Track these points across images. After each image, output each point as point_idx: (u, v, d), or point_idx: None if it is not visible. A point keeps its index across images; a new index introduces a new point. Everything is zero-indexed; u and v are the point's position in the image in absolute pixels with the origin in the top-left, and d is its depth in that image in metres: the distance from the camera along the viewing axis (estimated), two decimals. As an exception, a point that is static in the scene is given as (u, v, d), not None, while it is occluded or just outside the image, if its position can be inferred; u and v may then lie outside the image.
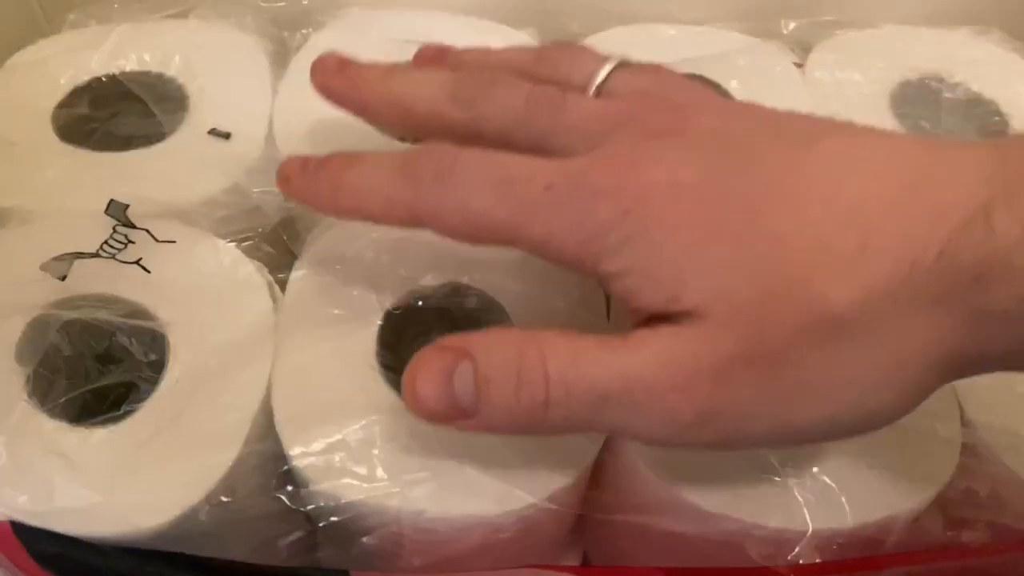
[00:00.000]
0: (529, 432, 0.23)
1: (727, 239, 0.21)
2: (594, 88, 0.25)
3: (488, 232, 0.23)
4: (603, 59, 0.26)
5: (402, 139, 0.32)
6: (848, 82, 0.37)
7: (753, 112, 0.24)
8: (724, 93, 0.37)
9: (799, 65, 0.38)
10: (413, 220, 0.24)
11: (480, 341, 0.22)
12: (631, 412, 0.21)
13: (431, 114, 0.26)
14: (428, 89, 0.26)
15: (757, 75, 0.38)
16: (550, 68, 0.26)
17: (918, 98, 0.38)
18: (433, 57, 0.30)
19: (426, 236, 0.30)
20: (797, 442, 0.22)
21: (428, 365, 0.22)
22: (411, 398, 0.22)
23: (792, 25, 0.40)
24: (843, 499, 0.26)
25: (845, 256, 0.20)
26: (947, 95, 0.37)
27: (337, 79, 0.28)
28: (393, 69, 0.28)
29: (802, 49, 0.39)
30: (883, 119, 0.36)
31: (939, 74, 0.38)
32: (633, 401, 0.21)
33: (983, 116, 0.37)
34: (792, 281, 0.20)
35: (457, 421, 0.22)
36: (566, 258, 0.22)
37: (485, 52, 0.29)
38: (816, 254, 0.20)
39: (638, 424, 0.21)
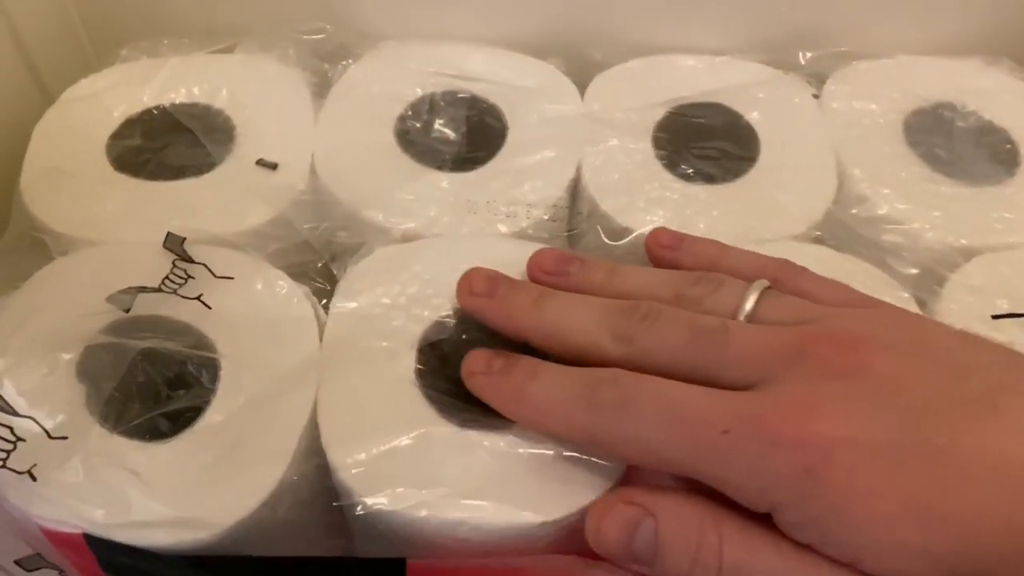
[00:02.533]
0: None
1: (910, 515, 0.20)
2: (745, 315, 0.26)
3: (663, 465, 0.24)
4: (744, 287, 0.26)
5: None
6: (864, 112, 0.39)
7: (927, 352, 0.23)
8: (745, 124, 0.38)
9: (816, 96, 0.39)
10: (591, 444, 0.25)
11: (665, 506, 0.24)
12: None
13: (590, 346, 0.26)
14: (585, 321, 0.27)
15: (777, 106, 0.39)
16: (692, 303, 0.27)
17: (931, 126, 0.39)
18: (554, 271, 0.30)
19: (465, 265, 0.32)
20: None
21: (614, 514, 0.24)
22: (594, 537, 0.25)
23: (808, 55, 0.41)
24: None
25: None
26: (959, 124, 0.39)
27: (488, 304, 0.29)
28: (542, 295, 0.28)
29: (818, 80, 0.40)
30: (897, 148, 0.37)
31: (951, 103, 0.39)
32: None
33: (995, 144, 0.38)
34: (982, 570, 0.20)
35: (632, 566, 0.24)
36: (742, 500, 0.23)
37: (611, 272, 0.29)
38: (997, 542, 0.20)
39: None
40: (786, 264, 0.28)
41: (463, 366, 0.28)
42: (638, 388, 0.24)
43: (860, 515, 0.21)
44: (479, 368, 0.28)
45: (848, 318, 0.25)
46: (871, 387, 0.22)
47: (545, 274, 0.30)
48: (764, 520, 0.23)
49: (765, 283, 0.26)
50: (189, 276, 0.30)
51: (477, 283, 0.29)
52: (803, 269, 0.28)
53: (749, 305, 0.26)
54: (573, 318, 0.27)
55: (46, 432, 0.26)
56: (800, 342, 0.23)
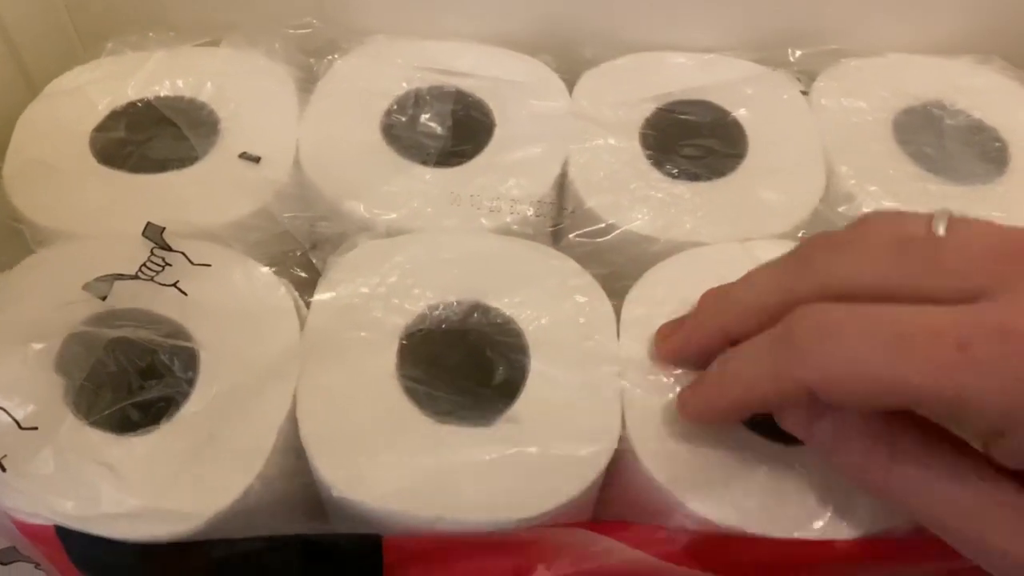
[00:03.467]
0: None
1: None
2: (943, 230, 0.22)
3: (888, 394, 0.21)
4: (928, 212, 0.23)
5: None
6: (853, 109, 0.38)
7: None
8: (733, 121, 0.38)
9: (805, 93, 0.39)
10: (801, 390, 0.22)
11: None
12: (959, 542, 0.22)
13: (784, 299, 0.24)
14: (771, 272, 0.25)
15: (765, 103, 0.39)
16: (874, 231, 0.24)
17: (921, 125, 0.38)
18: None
19: (446, 258, 0.32)
20: None
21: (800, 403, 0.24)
22: (783, 418, 0.25)
23: (798, 53, 0.41)
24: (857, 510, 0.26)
25: None
26: (949, 122, 0.38)
27: (680, 338, 0.28)
28: (721, 292, 0.27)
29: (807, 77, 0.40)
30: (886, 146, 0.37)
31: (941, 102, 0.39)
32: (965, 540, 0.22)
33: (984, 143, 0.38)
34: None
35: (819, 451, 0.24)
36: (977, 424, 0.21)
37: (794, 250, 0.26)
38: None
39: (962, 547, 0.22)
40: None
41: (676, 403, 0.27)
42: (839, 314, 0.22)
43: None
44: (687, 393, 0.27)
45: None
46: None
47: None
48: (958, 444, 0.22)
49: (948, 210, 0.23)
50: (167, 264, 0.30)
51: (664, 329, 0.29)
52: None
53: (943, 223, 0.22)
54: (757, 276, 0.26)
55: (16, 423, 0.26)
56: (1021, 248, 0.21)
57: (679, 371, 0.29)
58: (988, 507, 0.21)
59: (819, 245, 0.24)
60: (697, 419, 0.27)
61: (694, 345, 0.28)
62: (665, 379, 0.29)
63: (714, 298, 0.28)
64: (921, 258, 0.22)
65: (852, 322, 0.21)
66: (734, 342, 0.26)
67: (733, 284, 0.27)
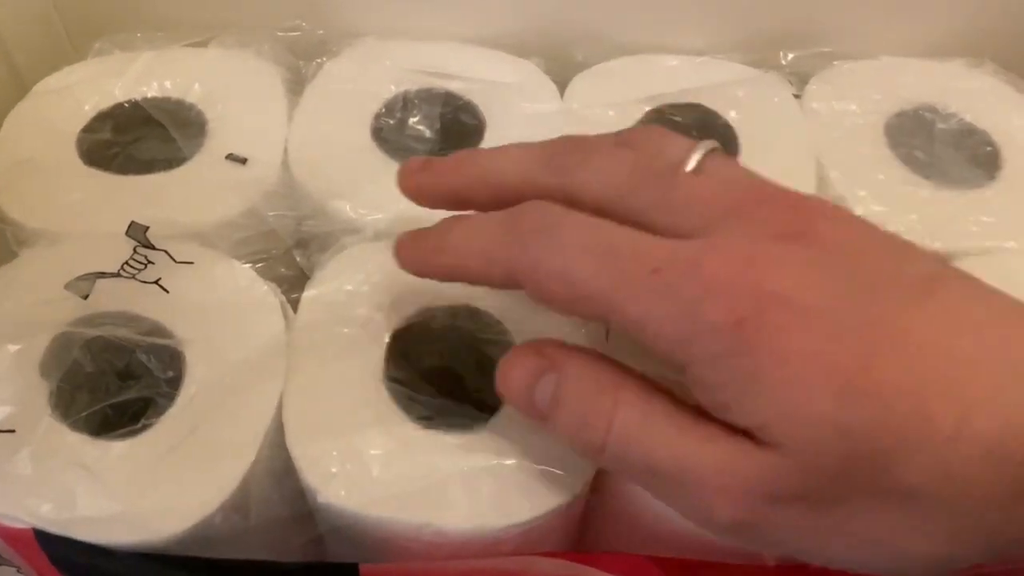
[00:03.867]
0: (585, 457, 0.24)
1: (830, 385, 0.19)
2: (692, 165, 0.23)
3: (582, 302, 0.22)
4: (693, 142, 0.24)
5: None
6: (844, 113, 0.38)
7: (871, 230, 0.22)
8: (723, 123, 0.38)
9: (797, 96, 0.39)
10: (510, 280, 0.23)
11: (570, 362, 0.23)
12: (675, 493, 0.22)
13: (524, 184, 0.25)
14: (519, 160, 0.25)
15: (756, 106, 0.39)
16: (637, 146, 0.25)
17: (912, 128, 0.38)
18: None
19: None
20: (823, 565, 0.22)
21: (522, 360, 0.24)
22: (500, 381, 0.24)
23: (791, 56, 0.41)
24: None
25: (940, 435, 0.19)
26: (940, 125, 0.38)
27: (423, 175, 0.28)
28: (477, 151, 0.28)
29: (799, 80, 0.40)
30: (877, 149, 0.37)
31: (933, 105, 0.39)
32: (680, 484, 0.21)
33: (975, 146, 0.38)
34: (879, 448, 0.19)
35: (532, 417, 0.24)
36: (657, 347, 0.21)
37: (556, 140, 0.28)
38: (911, 425, 0.19)
39: (676, 504, 0.22)
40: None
41: (394, 246, 0.27)
42: (566, 216, 0.23)
43: (780, 378, 0.20)
44: (407, 239, 0.26)
45: (787, 187, 0.24)
46: (814, 252, 0.21)
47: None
48: (658, 395, 0.22)
49: (713, 143, 0.24)
50: (149, 261, 0.30)
51: (414, 163, 0.28)
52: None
53: (696, 158, 0.23)
54: (507, 158, 0.26)
55: (-7, 424, 0.25)
56: (749, 199, 0.22)
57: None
58: (699, 457, 0.21)
59: (575, 145, 0.25)
60: (410, 269, 0.26)
61: (431, 190, 0.27)
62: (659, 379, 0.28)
63: (465, 154, 0.27)
64: (655, 189, 0.23)
65: (572, 227, 0.22)
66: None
67: (490, 150, 0.27)
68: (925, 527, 0.20)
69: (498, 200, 0.25)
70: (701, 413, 0.22)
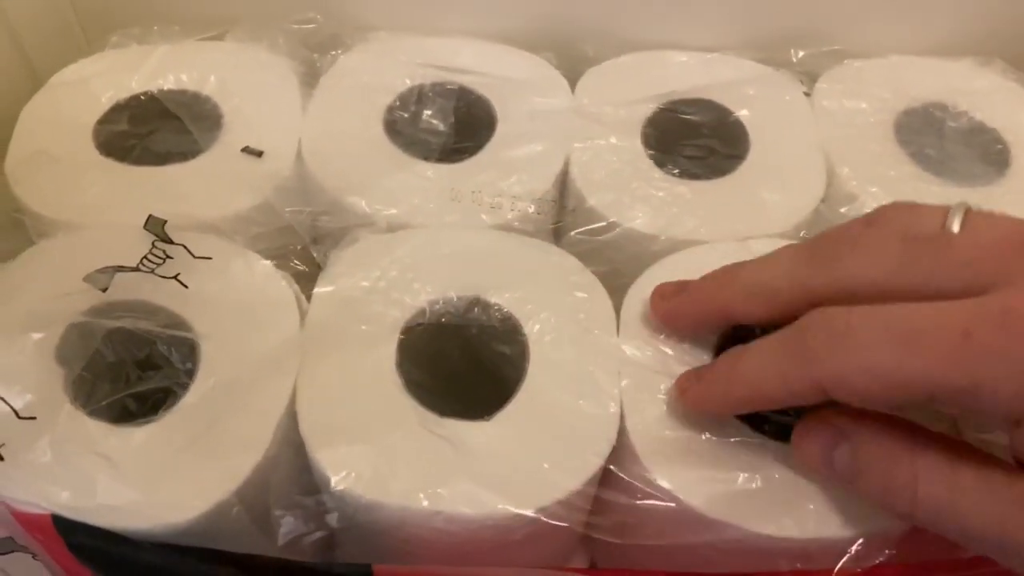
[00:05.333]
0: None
1: None
2: (957, 227, 0.23)
3: (899, 389, 0.21)
4: (946, 206, 0.23)
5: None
6: (854, 111, 0.38)
7: None
8: (734, 121, 0.38)
9: (807, 94, 0.39)
10: (815, 392, 0.23)
11: (859, 430, 0.24)
12: (997, 553, 0.22)
13: (792, 287, 0.25)
14: (784, 264, 0.26)
15: (767, 103, 0.39)
16: (891, 223, 0.24)
17: (922, 126, 0.38)
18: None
19: (447, 253, 0.32)
20: None
21: (812, 434, 0.25)
22: (798, 454, 0.25)
23: (801, 54, 0.41)
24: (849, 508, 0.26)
25: None
26: (951, 124, 0.38)
27: (682, 299, 0.28)
28: (734, 265, 0.28)
29: (810, 78, 0.40)
30: (887, 147, 0.37)
31: (943, 103, 0.39)
32: (1001, 547, 0.21)
33: (985, 144, 0.38)
34: None
35: (840, 484, 0.25)
36: (996, 409, 0.21)
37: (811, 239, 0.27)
38: None
39: (1001, 557, 0.22)
40: None
41: (674, 391, 0.28)
42: (851, 316, 0.22)
43: None
44: (691, 382, 0.27)
45: None
46: None
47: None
48: (963, 459, 0.22)
49: (966, 203, 0.23)
50: (168, 256, 0.30)
51: (667, 288, 0.29)
52: None
53: (958, 219, 0.23)
54: (770, 265, 0.26)
55: (15, 412, 0.26)
56: None
57: (680, 368, 0.29)
58: (1020, 512, 0.21)
59: (833, 239, 0.25)
60: (696, 408, 0.27)
61: (692, 312, 0.28)
62: (666, 377, 0.29)
63: (723, 272, 0.28)
64: (931, 255, 0.22)
65: (863, 323, 0.22)
66: (735, 327, 0.27)
67: (744, 263, 0.27)
68: None
69: (770, 310, 0.26)
70: (1014, 471, 0.21)
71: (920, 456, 0.22)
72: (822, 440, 0.25)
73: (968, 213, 0.23)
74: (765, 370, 0.24)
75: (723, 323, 0.28)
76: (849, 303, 0.23)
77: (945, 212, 0.23)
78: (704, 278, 0.28)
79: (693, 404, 0.27)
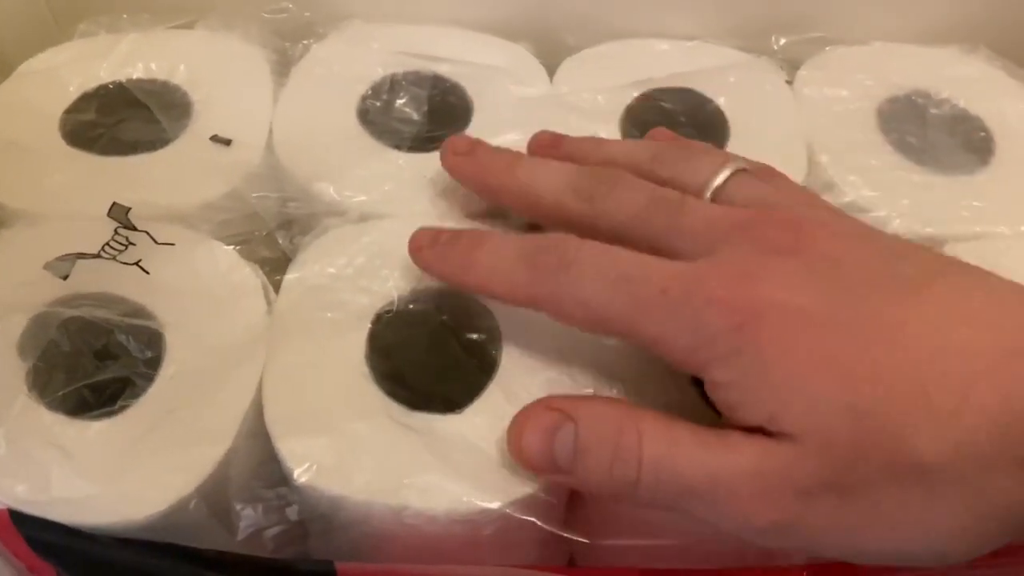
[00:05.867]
0: (618, 500, 0.25)
1: (832, 372, 0.21)
2: (711, 191, 0.26)
3: (603, 324, 0.24)
4: (721, 163, 0.27)
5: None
6: (836, 98, 0.38)
7: (869, 239, 0.25)
8: (714, 109, 0.38)
9: (788, 82, 0.39)
10: (532, 304, 0.26)
11: (584, 408, 0.24)
12: (712, 508, 0.22)
13: (555, 205, 0.27)
14: (553, 182, 0.28)
15: (747, 91, 0.38)
16: (668, 168, 0.28)
17: (905, 114, 0.38)
18: (548, 144, 0.31)
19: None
20: (865, 562, 0.23)
21: (534, 420, 0.25)
22: (515, 448, 0.25)
23: (783, 41, 0.40)
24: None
25: (943, 410, 0.20)
26: (933, 111, 0.38)
27: (467, 163, 0.30)
28: (519, 158, 0.30)
29: (791, 66, 0.39)
30: (869, 135, 0.37)
31: (926, 91, 0.38)
32: (716, 499, 0.22)
33: (968, 132, 0.37)
34: (886, 425, 0.21)
35: (553, 476, 0.25)
36: (675, 359, 0.23)
37: (599, 143, 0.31)
38: (914, 403, 0.21)
39: (716, 519, 0.23)
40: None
41: (409, 243, 0.28)
42: (581, 250, 0.25)
43: (784, 369, 0.21)
44: (426, 242, 0.28)
45: (804, 206, 0.26)
46: (810, 262, 0.23)
47: (541, 147, 0.31)
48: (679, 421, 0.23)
49: (741, 163, 0.27)
50: (130, 243, 0.29)
51: (459, 143, 0.31)
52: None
53: (719, 180, 0.26)
54: (543, 179, 0.28)
55: (-34, 404, 0.25)
56: (749, 220, 0.24)
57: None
58: (728, 469, 0.22)
59: (603, 176, 0.27)
60: (428, 272, 0.28)
61: (471, 177, 0.30)
62: (638, 364, 0.28)
63: (507, 160, 0.30)
64: (667, 214, 0.25)
65: (588, 257, 0.24)
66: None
67: (526, 163, 0.29)
68: (946, 503, 0.21)
69: (530, 213, 0.29)
70: (722, 428, 0.23)
71: (642, 420, 0.23)
72: (544, 424, 0.24)
73: (730, 179, 0.26)
74: (498, 269, 0.26)
75: (489, 201, 0.31)
76: (595, 234, 0.25)
77: (716, 169, 0.27)
78: (493, 152, 0.30)
79: (422, 265, 0.28)
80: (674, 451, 0.23)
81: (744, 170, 0.27)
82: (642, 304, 0.23)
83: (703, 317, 0.22)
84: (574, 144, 0.31)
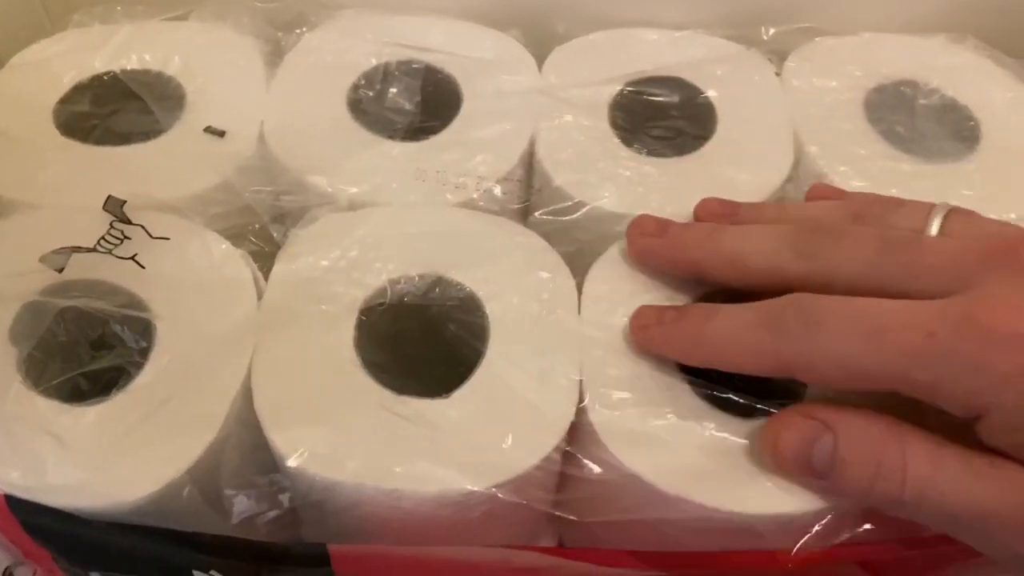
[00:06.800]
0: (880, 508, 0.24)
1: None
2: (935, 230, 0.25)
3: (863, 379, 0.23)
4: (930, 205, 0.26)
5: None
6: (824, 89, 0.38)
7: None
8: (703, 100, 0.38)
9: (777, 73, 0.39)
10: (780, 369, 0.25)
11: (844, 421, 0.24)
12: (978, 536, 0.22)
13: (771, 267, 0.26)
14: (766, 244, 0.26)
15: (736, 83, 0.38)
16: (876, 220, 0.26)
17: (893, 104, 0.38)
18: (724, 213, 0.30)
19: (409, 232, 0.32)
20: None
21: (793, 427, 0.25)
22: (770, 449, 0.25)
23: (772, 31, 0.40)
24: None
25: None
26: (922, 101, 0.38)
27: (661, 242, 0.29)
28: (718, 227, 0.28)
29: (779, 56, 0.39)
30: (858, 125, 0.37)
31: (914, 80, 0.38)
32: (984, 529, 0.22)
33: (956, 121, 0.37)
34: None
35: (809, 479, 0.25)
36: (951, 405, 0.22)
37: (781, 207, 0.30)
38: None
39: (982, 545, 0.23)
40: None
41: (631, 321, 0.28)
42: (826, 306, 0.24)
43: None
44: (651, 321, 0.27)
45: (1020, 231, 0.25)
46: None
47: (714, 215, 0.30)
48: (945, 443, 0.23)
49: (949, 205, 0.26)
50: (125, 237, 0.30)
51: (648, 225, 0.29)
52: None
53: (937, 222, 0.25)
54: (752, 241, 0.27)
55: (-39, 392, 0.26)
56: (998, 248, 0.23)
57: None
58: (1001, 501, 0.22)
59: (818, 228, 0.26)
60: (648, 348, 0.28)
61: (666, 256, 0.29)
62: (625, 356, 0.29)
63: (705, 231, 0.28)
64: (904, 257, 0.24)
65: (835, 313, 0.23)
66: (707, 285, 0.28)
67: (728, 229, 0.28)
68: None
69: (739, 280, 0.27)
70: (994, 455, 0.22)
71: (906, 441, 0.23)
72: (803, 433, 0.24)
73: (949, 215, 0.25)
74: (736, 337, 0.25)
75: (691, 277, 0.29)
76: (822, 290, 0.24)
77: (927, 212, 0.25)
78: (686, 226, 0.29)
79: (648, 344, 0.27)
80: (940, 476, 0.22)
81: (955, 208, 0.26)
82: (908, 353, 0.22)
83: (986, 361, 0.21)
84: (755, 210, 0.30)
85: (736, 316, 0.26)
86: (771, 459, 0.25)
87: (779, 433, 0.25)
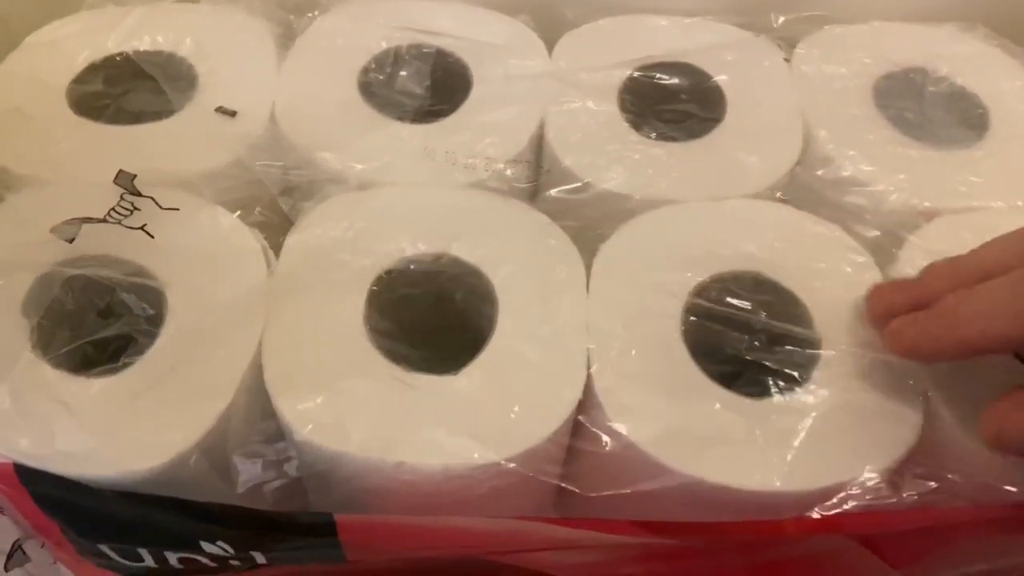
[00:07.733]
0: None
1: None
2: None
3: None
4: None
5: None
6: (833, 75, 0.38)
7: None
8: (712, 86, 0.38)
9: (787, 60, 0.39)
10: None
11: None
12: None
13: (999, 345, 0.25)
14: (994, 320, 0.25)
15: (745, 69, 0.38)
16: None
17: (902, 91, 0.38)
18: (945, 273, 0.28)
19: (418, 208, 0.32)
20: None
21: (1018, 412, 0.24)
22: (991, 433, 0.25)
23: (782, 19, 0.40)
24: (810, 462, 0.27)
25: None
26: (931, 88, 0.38)
27: (909, 328, 0.27)
28: (949, 302, 0.26)
29: (789, 44, 0.40)
30: (866, 111, 0.37)
31: (923, 68, 0.39)
32: None
33: (966, 109, 0.37)
34: None
35: None
36: None
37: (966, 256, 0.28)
38: None
39: None
40: None
41: (888, 337, 0.27)
42: None
43: None
44: (906, 324, 0.27)
45: None
46: None
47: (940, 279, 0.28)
48: None
49: None
50: (135, 208, 0.30)
51: (894, 302, 0.28)
52: None
53: None
54: (984, 318, 0.25)
55: (-26, 360, 0.26)
56: None
57: (647, 325, 0.29)
58: None
59: None
60: (911, 352, 0.27)
61: (911, 340, 0.27)
62: (633, 332, 0.29)
63: (947, 316, 0.26)
64: None
65: None
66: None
67: (965, 307, 0.25)
68: None
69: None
70: None
71: None
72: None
73: None
74: (996, 307, 0.24)
75: (957, 356, 0.27)
76: None
77: None
78: (931, 314, 0.26)
79: (905, 348, 0.27)
80: None
81: None
82: None
83: None
84: (970, 260, 0.27)
85: (990, 287, 0.25)
86: (990, 441, 0.25)
87: (1004, 416, 0.25)
